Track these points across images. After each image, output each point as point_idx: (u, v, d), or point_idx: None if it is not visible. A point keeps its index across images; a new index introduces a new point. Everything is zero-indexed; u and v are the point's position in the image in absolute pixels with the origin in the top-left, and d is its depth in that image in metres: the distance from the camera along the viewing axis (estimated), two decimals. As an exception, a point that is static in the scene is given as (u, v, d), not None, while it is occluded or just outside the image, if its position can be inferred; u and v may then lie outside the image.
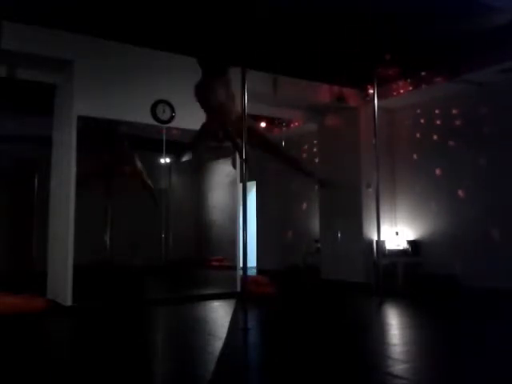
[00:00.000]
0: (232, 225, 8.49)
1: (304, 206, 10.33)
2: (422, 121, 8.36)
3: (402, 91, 8.00)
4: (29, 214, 10.40)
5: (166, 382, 3.64)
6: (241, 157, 5.00)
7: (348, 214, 8.67)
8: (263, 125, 10.13)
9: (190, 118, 7.19)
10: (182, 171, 13.47)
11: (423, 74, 7.60)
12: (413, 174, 8.45)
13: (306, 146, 10.42)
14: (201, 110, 7.20)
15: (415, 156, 8.44)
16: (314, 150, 10.08)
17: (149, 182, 9.28)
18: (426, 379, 3.50)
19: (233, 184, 7.88)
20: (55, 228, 6.76)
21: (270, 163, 11.14)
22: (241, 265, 6.15)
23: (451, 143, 7.84)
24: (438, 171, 8.04)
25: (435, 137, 8.11)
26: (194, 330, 5.15)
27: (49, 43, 6.11)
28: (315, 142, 9.98)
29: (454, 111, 7.84)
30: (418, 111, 8.42)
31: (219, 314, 6.36)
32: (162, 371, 3.86)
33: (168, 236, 11.52)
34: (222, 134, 4.56)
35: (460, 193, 7.67)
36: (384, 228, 7.73)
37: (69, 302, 6.08)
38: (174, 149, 11.64)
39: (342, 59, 7.05)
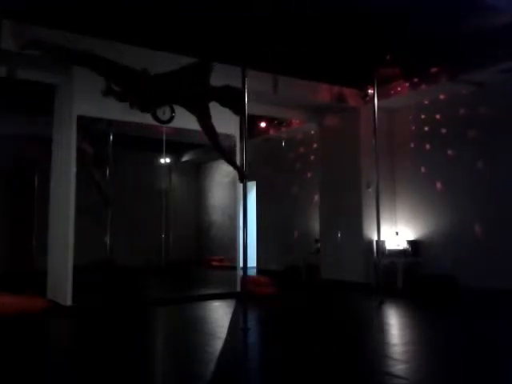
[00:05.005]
0: (232, 225, 8.50)
1: (304, 205, 10.32)
2: (422, 121, 8.34)
3: (402, 91, 8.00)
4: (29, 214, 10.40)
5: (166, 382, 3.65)
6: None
7: (348, 213, 8.67)
8: (263, 125, 10.15)
9: (190, 117, 7.18)
10: (182, 171, 13.49)
11: (423, 74, 7.59)
12: (413, 174, 8.44)
13: (305, 146, 10.42)
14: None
15: (415, 156, 8.43)
16: (314, 150, 10.06)
17: (97, 175, 8.53)
18: (426, 379, 3.50)
19: (233, 184, 7.88)
20: (55, 228, 6.76)
21: (269, 164, 11.17)
22: (241, 265, 6.15)
23: (451, 143, 7.83)
24: (437, 171, 8.03)
25: (435, 137, 8.10)
26: (194, 330, 5.15)
27: (48, 43, 6.09)
28: (315, 142, 9.98)
29: (454, 111, 7.83)
30: (418, 111, 8.41)
31: (219, 314, 6.36)
32: (162, 371, 3.86)
33: (168, 236, 11.54)
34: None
35: (460, 193, 7.66)
36: (384, 228, 7.73)
37: (69, 302, 6.08)
38: (174, 149, 11.68)
39: (342, 59, 7.05)
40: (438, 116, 8.10)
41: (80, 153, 6.81)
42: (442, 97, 7.98)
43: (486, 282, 6.93)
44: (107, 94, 4.76)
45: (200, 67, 4.71)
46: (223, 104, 4.67)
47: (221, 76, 7.27)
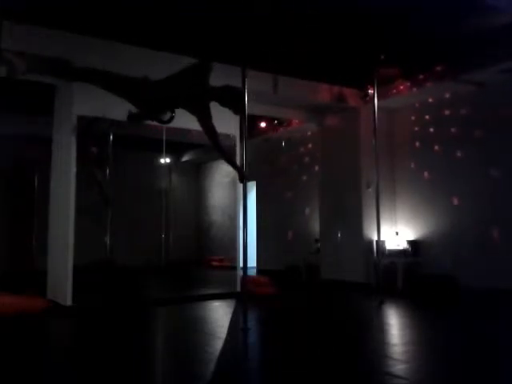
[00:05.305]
0: (232, 225, 8.49)
1: (304, 205, 10.32)
2: (422, 121, 8.34)
3: (402, 91, 7.99)
4: (29, 214, 10.40)
5: (166, 382, 3.65)
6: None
7: (348, 213, 8.67)
8: (263, 125, 10.15)
9: (190, 117, 7.18)
10: (182, 171, 13.49)
11: (423, 74, 7.59)
12: (413, 174, 8.44)
13: (306, 146, 10.42)
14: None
15: (415, 156, 8.43)
16: (314, 150, 10.07)
17: (99, 175, 8.62)
18: (426, 379, 3.50)
19: (233, 184, 7.88)
20: (55, 228, 6.76)
21: (269, 164, 11.17)
22: (241, 265, 6.15)
23: (451, 143, 7.83)
24: (437, 171, 8.03)
25: (435, 137, 8.09)
26: (194, 330, 5.15)
27: (49, 43, 6.10)
28: (315, 142, 9.98)
29: (454, 111, 7.83)
30: (418, 111, 8.41)
31: (219, 314, 6.36)
32: (162, 371, 3.86)
33: (168, 236, 11.54)
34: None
35: (459, 193, 7.66)
36: (384, 228, 7.73)
37: (69, 302, 6.08)
38: (174, 149, 11.68)
39: (342, 59, 7.05)
40: (437, 116, 8.09)
41: (83, 153, 6.83)
42: (441, 97, 7.97)
43: (486, 282, 6.93)
44: (132, 120, 4.82)
45: (199, 68, 4.72)
46: (223, 104, 4.68)
47: (221, 76, 7.31)
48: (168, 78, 4.71)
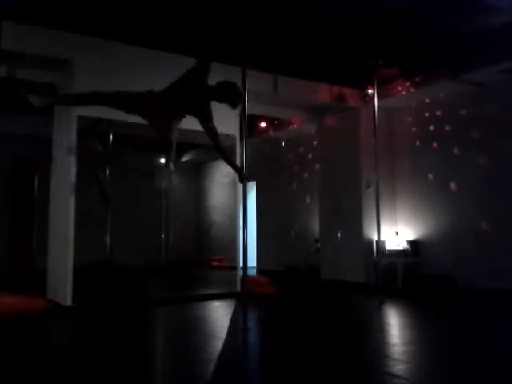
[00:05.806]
0: (232, 225, 8.49)
1: (304, 205, 10.33)
2: (422, 121, 8.34)
3: (402, 91, 8.00)
4: (29, 214, 10.40)
5: (166, 382, 3.65)
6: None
7: (348, 214, 8.66)
8: (263, 125, 10.15)
9: (190, 117, 7.17)
10: (182, 171, 13.49)
11: (423, 74, 7.59)
12: (413, 174, 8.44)
13: (305, 146, 10.42)
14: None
15: (415, 156, 8.43)
16: (314, 150, 10.07)
17: (101, 176, 8.62)
18: (426, 379, 3.50)
19: (233, 184, 7.88)
20: (55, 228, 6.76)
21: (269, 164, 11.17)
22: (241, 265, 6.15)
23: (451, 143, 7.83)
24: (437, 171, 8.03)
25: (435, 137, 8.10)
26: (194, 330, 5.15)
27: (48, 43, 6.10)
28: (315, 142, 9.98)
29: (454, 111, 7.82)
30: (418, 111, 8.41)
31: (219, 314, 6.36)
32: (162, 371, 3.86)
33: (168, 236, 11.54)
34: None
35: (460, 193, 7.66)
36: (384, 228, 7.72)
37: (69, 302, 6.08)
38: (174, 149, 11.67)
39: (342, 59, 7.05)
40: (437, 116, 8.09)
41: (87, 153, 6.84)
42: (441, 97, 7.97)
43: (486, 282, 6.93)
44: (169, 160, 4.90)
45: (198, 70, 4.71)
46: (220, 100, 4.67)
47: (221, 76, 7.29)
48: (170, 85, 4.68)
